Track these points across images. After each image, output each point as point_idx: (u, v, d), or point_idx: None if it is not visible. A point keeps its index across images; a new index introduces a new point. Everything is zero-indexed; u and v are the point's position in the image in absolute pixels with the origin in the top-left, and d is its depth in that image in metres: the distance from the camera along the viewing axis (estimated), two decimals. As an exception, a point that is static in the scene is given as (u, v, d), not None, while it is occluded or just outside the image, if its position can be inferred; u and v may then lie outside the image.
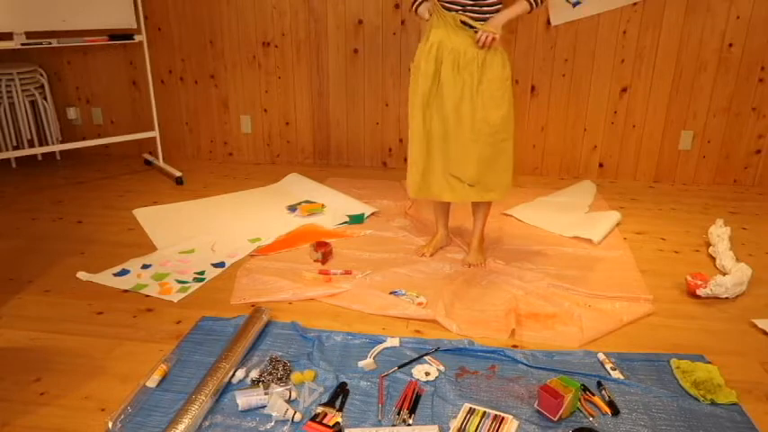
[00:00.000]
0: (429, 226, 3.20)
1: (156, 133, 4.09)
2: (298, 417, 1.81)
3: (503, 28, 2.49)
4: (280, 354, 2.13)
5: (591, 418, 1.84)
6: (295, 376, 2.00)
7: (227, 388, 1.95)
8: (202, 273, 2.75)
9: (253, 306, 2.45)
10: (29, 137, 4.20)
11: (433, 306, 2.42)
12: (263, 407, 1.85)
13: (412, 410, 1.86)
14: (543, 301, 2.51)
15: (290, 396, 1.89)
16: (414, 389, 1.95)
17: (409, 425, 1.79)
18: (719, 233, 2.98)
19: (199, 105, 4.33)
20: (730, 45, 3.68)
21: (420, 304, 2.45)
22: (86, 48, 4.24)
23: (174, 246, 3.01)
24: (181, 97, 4.33)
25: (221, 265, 2.82)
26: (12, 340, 2.24)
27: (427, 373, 2.02)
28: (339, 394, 1.93)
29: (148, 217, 3.38)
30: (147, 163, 4.32)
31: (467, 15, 2.46)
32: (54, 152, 4.42)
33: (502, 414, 1.83)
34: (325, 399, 1.90)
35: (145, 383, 1.96)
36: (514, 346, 2.20)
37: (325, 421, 1.79)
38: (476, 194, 2.66)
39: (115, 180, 4.01)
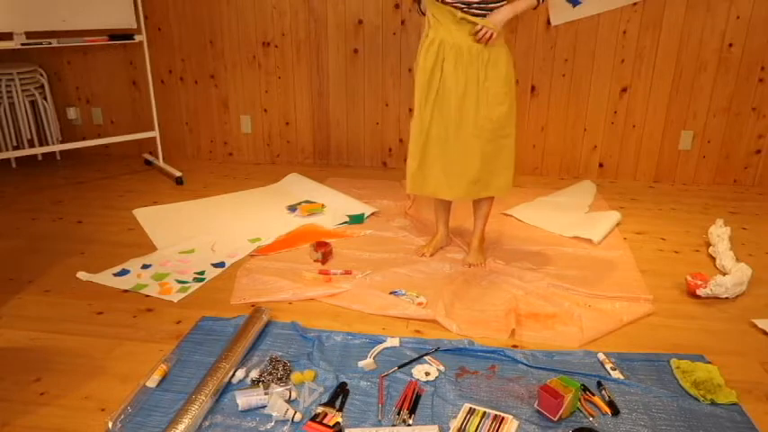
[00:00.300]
0: (429, 226, 3.20)
1: (156, 133, 4.09)
2: (298, 417, 1.81)
3: (505, 26, 2.48)
4: (280, 354, 2.13)
5: (591, 418, 1.84)
6: (295, 376, 2.00)
7: (227, 388, 1.95)
8: (202, 273, 2.75)
9: (253, 306, 2.45)
10: (29, 137, 4.20)
11: (433, 306, 2.42)
12: (263, 407, 1.85)
13: (412, 410, 1.85)
14: (543, 301, 2.51)
15: (290, 396, 1.89)
16: (414, 389, 1.95)
17: (409, 425, 1.79)
18: (719, 233, 2.98)
19: (199, 105, 4.33)
20: (730, 45, 3.67)
21: (420, 304, 2.45)
22: (86, 48, 4.24)
23: (174, 246, 3.01)
24: (181, 97, 4.33)
25: (221, 265, 2.82)
26: (12, 340, 2.24)
27: (427, 373, 2.02)
28: (339, 394, 1.92)
29: (148, 217, 3.38)
30: (148, 163, 4.32)
31: (471, 13, 2.43)
32: (54, 152, 4.42)
33: (502, 414, 1.83)
34: (325, 399, 1.90)
35: (145, 383, 1.96)
36: (514, 346, 2.20)
37: (325, 421, 1.79)
38: (476, 191, 2.66)
39: (115, 180, 4.01)
